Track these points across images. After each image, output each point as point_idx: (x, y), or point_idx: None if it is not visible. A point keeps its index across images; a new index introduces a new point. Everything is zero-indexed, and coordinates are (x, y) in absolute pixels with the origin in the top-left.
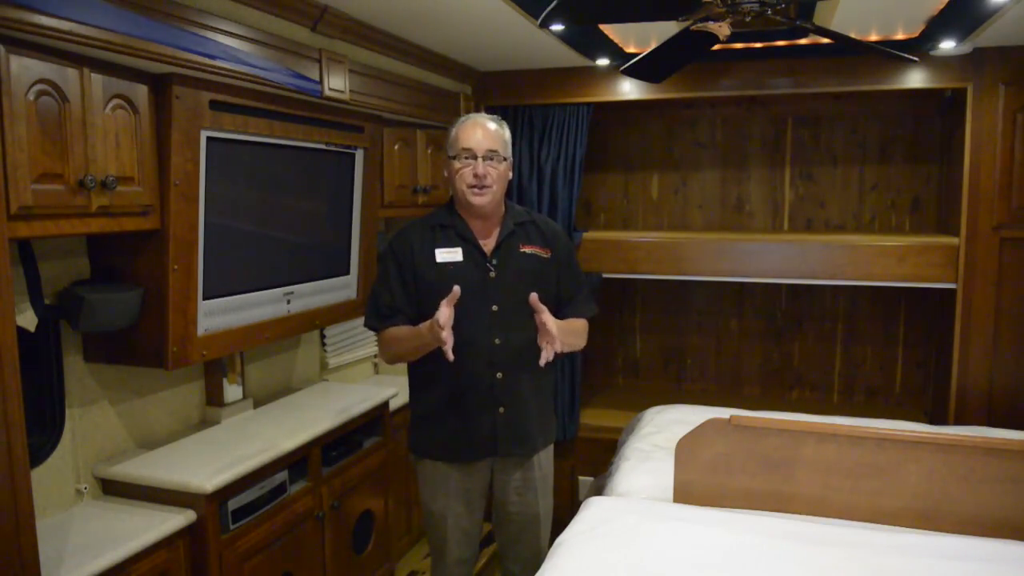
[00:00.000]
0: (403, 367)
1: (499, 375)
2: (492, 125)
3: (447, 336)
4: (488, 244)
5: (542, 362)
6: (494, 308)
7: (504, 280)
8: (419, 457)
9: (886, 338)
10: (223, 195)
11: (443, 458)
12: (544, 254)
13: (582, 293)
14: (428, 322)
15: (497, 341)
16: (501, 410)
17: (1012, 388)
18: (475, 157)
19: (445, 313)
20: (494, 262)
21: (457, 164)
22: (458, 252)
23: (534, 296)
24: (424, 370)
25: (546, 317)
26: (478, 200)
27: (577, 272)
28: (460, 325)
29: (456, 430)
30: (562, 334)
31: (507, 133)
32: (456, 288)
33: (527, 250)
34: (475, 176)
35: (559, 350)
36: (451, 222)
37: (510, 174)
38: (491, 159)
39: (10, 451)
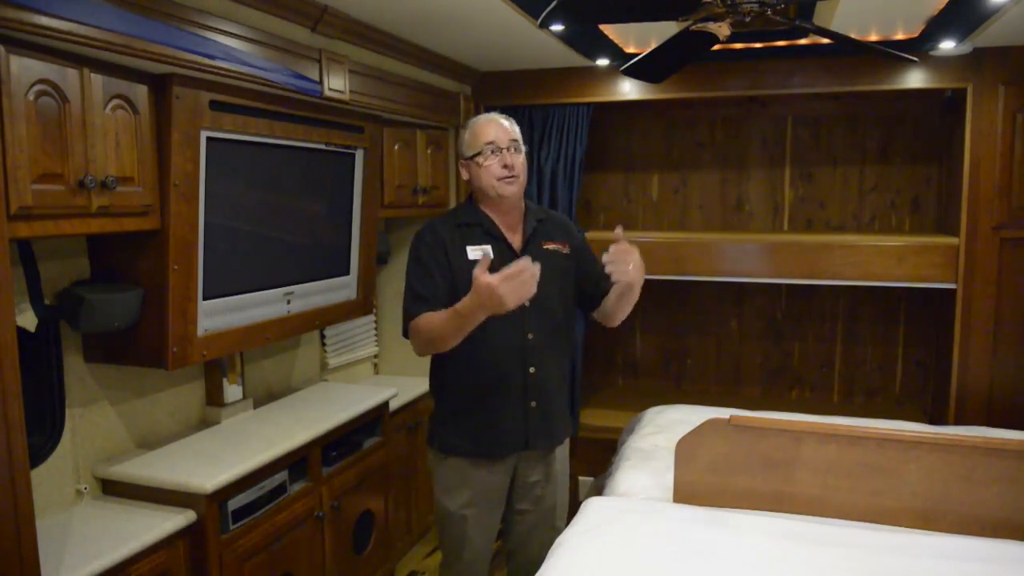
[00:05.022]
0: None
1: (532, 370)
2: (505, 120)
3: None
4: (515, 241)
5: (613, 270)
6: (526, 303)
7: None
8: (444, 454)
9: (886, 338)
10: (223, 195)
11: (471, 454)
12: (564, 249)
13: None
14: (472, 293)
15: (530, 336)
16: (533, 404)
17: (1012, 388)
18: (501, 149)
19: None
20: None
21: (482, 159)
22: (487, 249)
23: (619, 230)
24: (455, 366)
25: (625, 245)
26: (510, 189)
27: (595, 256)
28: (494, 321)
29: (489, 425)
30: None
31: (517, 128)
32: (489, 252)
33: (550, 247)
34: (504, 166)
35: (634, 275)
36: (477, 220)
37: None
38: (515, 149)
39: (10, 451)
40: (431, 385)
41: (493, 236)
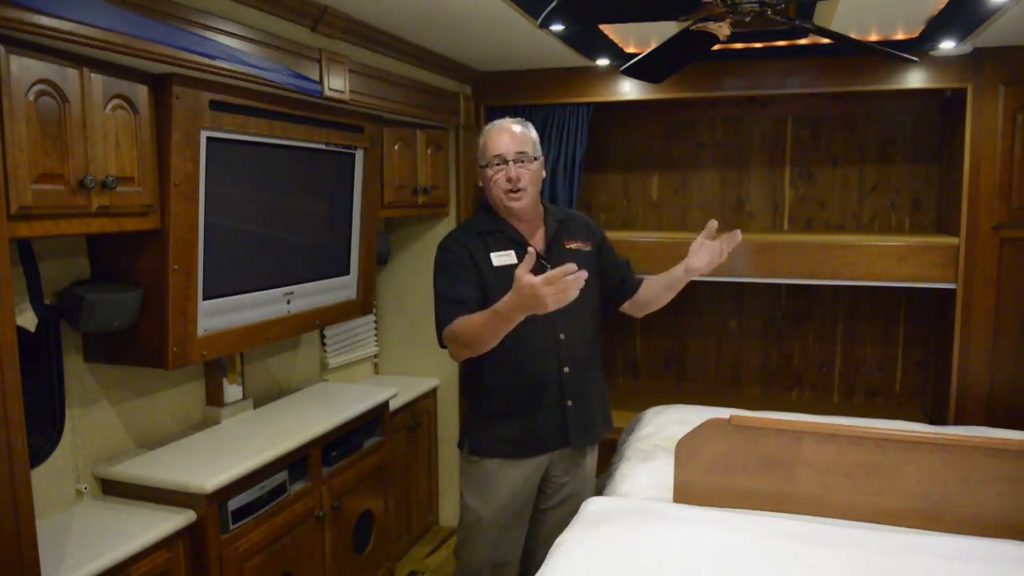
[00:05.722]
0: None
1: (566, 370)
2: (517, 128)
3: (530, 279)
4: (537, 244)
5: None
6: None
7: None
8: (478, 457)
9: (886, 338)
10: (223, 195)
11: (507, 455)
12: (587, 248)
13: (627, 267)
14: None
15: (562, 337)
16: (570, 403)
17: (1012, 388)
18: (506, 162)
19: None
20: (547, 261)
21: (490, 171)
22: (511, 255)
23: (713, 223)
24: (489, 370)
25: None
26: (515, 204)
27: (616, 253)
28: (525, 325)
29: (526, 427)
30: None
31: (533, 133)
32: (513, 257)
33: (572, 246)
34: (508, 180)
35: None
36: (497, 226)
37: (543, 173)
38: (521, 161)
39: (10, 451)
40: (464, 389)
41: (515, 241)
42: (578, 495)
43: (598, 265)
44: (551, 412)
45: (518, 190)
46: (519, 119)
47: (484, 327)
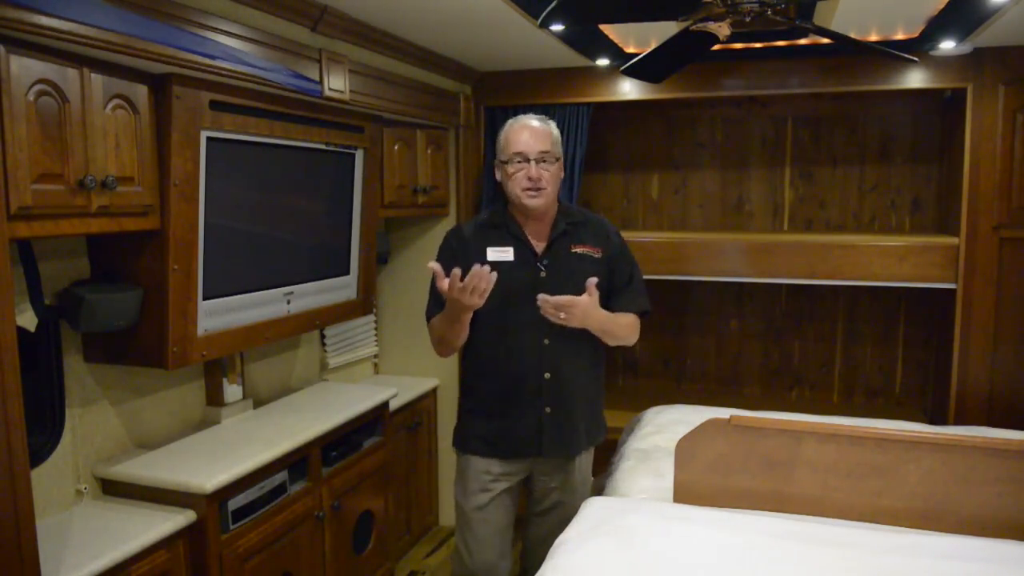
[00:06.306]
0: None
1: (547, 375)
2: (539, 125)
3: (446, 283)
4: (540, 244)
5: (539, 300)
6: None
7: (554, 280)
8: (461, 452)
9: (886, 338)
10: (223, 195)
11: (484, 454)
12: (595, 254)
13: (630, 287)
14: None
15: (546, 341)
16: (547, 410)
17: (1012, 388)
18: (528, 160)
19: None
20: (544, 262)
21: (510, 168)
22: (509, 252)
23: (592, 281)
24: (475, 368)
25: (583, 298)
26: (533, 202)
27: (629, 268)
28: (510, 324)
29: (501, 428)
30: (593, 319)
31: (555, 131)
32: (481, 269)
33: (578, 250)
34: (529, 179)
35: (556, 316)
36: (504, 222)
37: (562, 173)
38: (543, 160)
39: (10, 451)
40: (460, 384)
41: (516, 238)
42: (568, 503)
43: (607, 274)
44: (527, 417)
45: (538, 189)
46: (542, 116)
47: (442, 324)
